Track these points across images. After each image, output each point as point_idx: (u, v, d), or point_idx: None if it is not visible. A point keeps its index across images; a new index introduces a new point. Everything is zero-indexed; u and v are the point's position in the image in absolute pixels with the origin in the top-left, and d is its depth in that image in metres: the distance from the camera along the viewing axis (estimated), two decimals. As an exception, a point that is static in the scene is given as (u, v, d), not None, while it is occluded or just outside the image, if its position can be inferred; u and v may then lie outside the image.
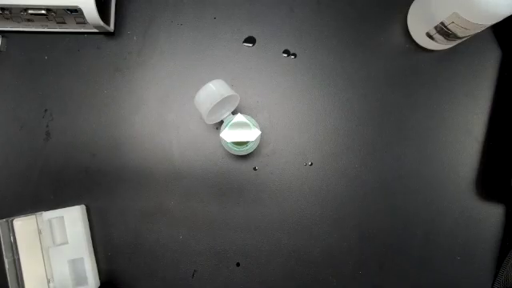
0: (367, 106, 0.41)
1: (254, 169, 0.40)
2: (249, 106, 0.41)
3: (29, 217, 0.38)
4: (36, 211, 0.39)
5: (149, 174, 0.40)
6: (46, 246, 0.38)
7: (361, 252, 0.40)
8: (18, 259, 0.38)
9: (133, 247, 0.40)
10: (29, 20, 0.39)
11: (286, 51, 0.41)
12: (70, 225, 0.38)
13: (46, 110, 0.41)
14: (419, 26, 0.40)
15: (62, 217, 0.38)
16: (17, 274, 0.38)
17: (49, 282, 0.38)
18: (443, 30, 0.36)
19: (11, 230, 0.38)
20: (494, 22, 0.33)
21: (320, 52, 0.41)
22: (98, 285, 0.39)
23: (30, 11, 0.37)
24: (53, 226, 0.38)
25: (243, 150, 0.37)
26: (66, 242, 0.38)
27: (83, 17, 0.36)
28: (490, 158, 0.40)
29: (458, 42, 0.39)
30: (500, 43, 0.41)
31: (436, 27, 0.37)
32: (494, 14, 0.32)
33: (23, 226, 0.38)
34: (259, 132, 0.36)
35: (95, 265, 0.39)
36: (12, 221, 0.38)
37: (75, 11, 0.37)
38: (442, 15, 0.35)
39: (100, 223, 0.40)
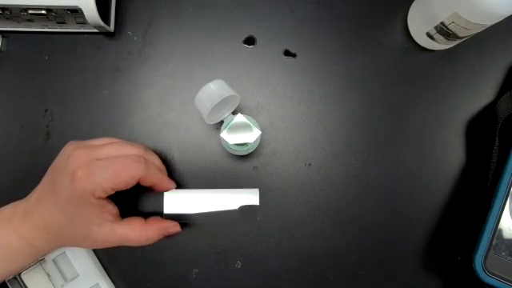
0: (367, 105, 0.41)
1: (255, 168, 0.40)
2: (249, 107, 0.41)
3: (33, 266, 0.38)
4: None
5: (149, 174, 0.40)
6: (59, 286, 0.38)
7: (361, 252, 0.40)
8: None
9: (132, 247, 0.39)
10: (29, 20, 0.39)
11: (286, 51, 0.41)
12: (73, 258, 0.38)
13: (46, 110, 0.41)
14: (419, 25, 0.40)
15: (64, 252, 0.38)
16: None
17: None
18: (443, 30, 0.36)
19: (22, 284, 0.37)
20: (494, 22, 0.33)
21: (320, 52, 0.41)
22: None
23: (30, 11, 0.37)
24: (58, 264, 0.38)
25: (243, 150, 0.37)
26: (77, 275, 0.38)
27: (83, 17, 0.36)
28: (490, 158, 0.40)
29: (458, 41, 0.39)
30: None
31: (436, 27, 0.37)
32: (494, 14, 0.32)
33: (32, 276, 0.37)
34: (259, 132, 0.36)
35: (111, 284, 0.39)
36: (20, 275, 0.37)
37: (75, 11, 0.37)
38: (442, 15, 0.35)
39: (100, 223, 0.40)
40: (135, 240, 0.33)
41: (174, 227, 0.36)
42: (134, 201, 0.39)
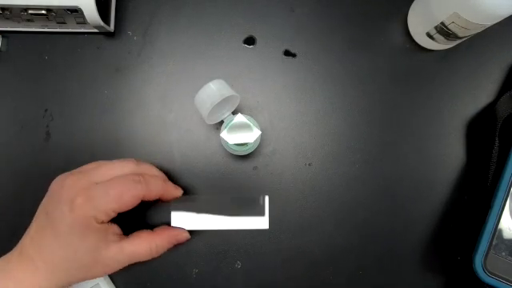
0: (367, 105, 0.41)
1: (255, 168, 0.40)
2: (249, 106, 0.41)
3: None
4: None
5: (149, 174, 0.40)
6: None
7: (361, 252, 0.40)
8: None
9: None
10: (29, 20, 0.39)
11: (286, 51, 0.41)
12: None
13: (46, 110, 0.41)
14: (419, 25, 0.40)
15: None
16: None
17: None
18: (443, 30, 0.36)
19: None
20: (494, 22, 0.33)
21: (320, 52, 0.41)
22: None
23: (30, 11, 0.37)
24: None
25: (243, 150, 0.37)
26: None
27: (83, 17, 0.36)
28: (490, 158, 0.40)
29: (458, 41, 0.39)
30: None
31: (436, 27, 0.37)
32: (493, 14, 0.32)
33: None
34: (259, 132, 0.36)
35: (111, 284, 0.39)
36: None
37: (75, 11, 0.37)
38: (442, 15, 0.35)
39: (100, 223, 0.40)
40: (145, 252, 0.32)
41: (183, 234, 0.35)
42: (140, 216, 0.39)
